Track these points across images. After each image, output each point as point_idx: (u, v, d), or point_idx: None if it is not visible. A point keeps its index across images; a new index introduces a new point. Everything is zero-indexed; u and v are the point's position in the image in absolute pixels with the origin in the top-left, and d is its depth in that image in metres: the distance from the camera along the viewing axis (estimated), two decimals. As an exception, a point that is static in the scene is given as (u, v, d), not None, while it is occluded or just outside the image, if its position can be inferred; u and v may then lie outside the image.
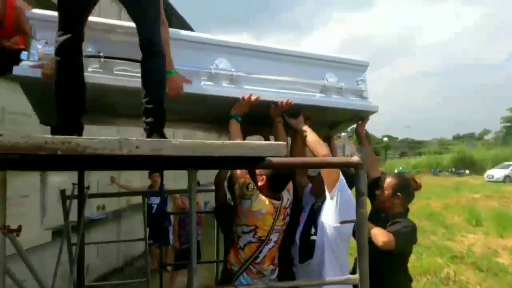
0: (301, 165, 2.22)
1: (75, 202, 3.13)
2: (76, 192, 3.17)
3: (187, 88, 2.14)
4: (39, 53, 2.03)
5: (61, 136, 1.13)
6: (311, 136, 2.36)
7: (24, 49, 2.37)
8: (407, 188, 2.64)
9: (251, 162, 1.45)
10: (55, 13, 1.99)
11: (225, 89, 2.29)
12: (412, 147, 76.73)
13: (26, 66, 2.00)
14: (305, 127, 2.43)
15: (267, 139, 2.91)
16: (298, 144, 2.64)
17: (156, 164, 1.69)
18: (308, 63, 2.57)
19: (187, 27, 11.72)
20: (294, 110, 2.43)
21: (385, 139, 68.56)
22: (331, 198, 2.21)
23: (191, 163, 1.33)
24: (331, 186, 2.21)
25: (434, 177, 34.14)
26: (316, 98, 2.52)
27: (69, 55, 1.81)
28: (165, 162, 1.45)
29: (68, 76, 1.82)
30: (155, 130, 1.80)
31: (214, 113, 2.50)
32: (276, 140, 2.47)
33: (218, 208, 2.62)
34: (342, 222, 1.74)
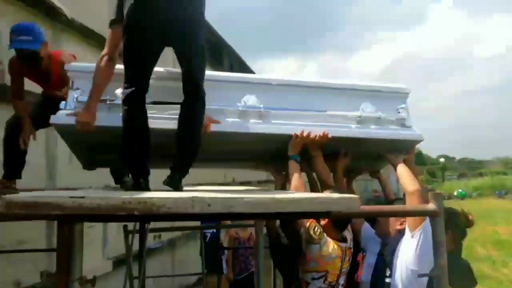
0: (373, 214, 2.13)
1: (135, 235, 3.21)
2: (137, 227, 3.27)
3: (216, 128, 2.14)
4: (75, 102, 2.14)
5: (136, 195, 1.16)
6: (402, 170, 2.28)
7: None
8: (457, 225, 2.42)
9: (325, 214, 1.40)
10: (89, 64, 2.18)
11: (254, 126, 2.25)
12: (471, 167, 72.07)
13: (62, 115, 2.11)
14: (400, 166, 2.34)
15: (307, 172, 2.81)
16: (338, 176, 2.55)
17: (222, 217, 1.69)
18: (341, 94, 2.48)
19: (237, 58, 12.06)
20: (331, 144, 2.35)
21: (442, 159, 64.94)
22: (412, 237, 2.07)
23: (259, 215, 1.30)
24: (415, 226, 2.07)
25: (499, 200, 31.61)
26: (351, 129, 2.41)
27: (135, 105, 1.91)
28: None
29: (134, 124, 1.92)
30: (181, 169, 1.92)
31: (252, 151, 2.49)
32: (319, 174, 2.41)
33: (273, 248, 2.57)
34: (421, 276, 1.62)
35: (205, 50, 2.05)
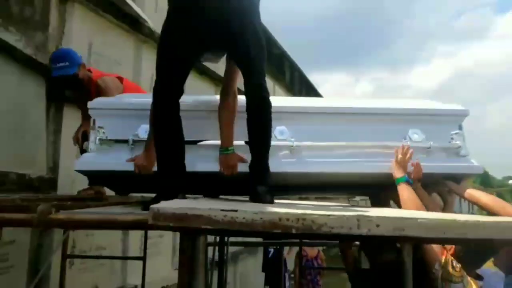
0: None
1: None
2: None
3: (243, 167, 1.92)
4: (97, 144, 2.03)
5: (292, 211, 1.00)
6: (480, 195, 1.97)
7: None
8: None
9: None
10: (112, 100, 2.14)
11: (284, 164, 2.02)
12: (542, 189, 65.68)
13: (86, 159, 2.03)
14: (471, 191, 2.03)
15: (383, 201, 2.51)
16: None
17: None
18: (384, 121, 2.16)
19: (298, 71, 11.94)
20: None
21: (510, 181, 59.85)
22: None
23: (430, 240, 1.09)
24: None
25: None
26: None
27: (167, 109, 1.77)
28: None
29: (166, 131, 1.78)
30: (261, 181, 1.76)
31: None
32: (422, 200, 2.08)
33: (353, 276, 2.31)
34: None
35: (263, 44, 1.91)
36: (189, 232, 1.20)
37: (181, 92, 1.79)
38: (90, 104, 2.15)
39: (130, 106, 2.12)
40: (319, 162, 2.03)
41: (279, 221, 0.96)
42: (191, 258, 1.26)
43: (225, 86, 2.06)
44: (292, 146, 2.05)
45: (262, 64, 1.89)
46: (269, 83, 8.73)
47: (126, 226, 1.18)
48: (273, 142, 1.97)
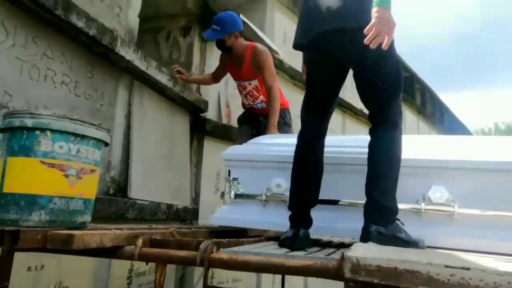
0: None
1: None
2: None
3: None
4: (232, 198, 2.05)
5: (436, 263, 0.69)
6: None
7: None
8: None
9: None
10: (247, 152, 2.08)
11: (441, 236, 1.56)
12: None
13: (221, 215, 2.03)
14: None
15: None
16: None
17: None
18: None
19: (430, 92, 10.97)
20: None
21: None
22: None
23: None
24: None
25: None
26: None
27: (307, 139, 1.70)
28: None
29: (302, 161, 1.68)
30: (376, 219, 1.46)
31: None
32: None
33: None
34: None
35: (393, 57, 1.53)
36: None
37: (325, 121, 1.71)
38: (224, 155, 2.18)
39: (264, 158, 2.05)
40: (490, 238, 1.54)
41: (403, 273, 0.66)
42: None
43: None
44: (453, 213, 1.65)
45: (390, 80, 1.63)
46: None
47: (298, 271, 0.99)
48: (427, 207, 1.67)
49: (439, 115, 11.43)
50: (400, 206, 1.69)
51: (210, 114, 3.78)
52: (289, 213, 1.68)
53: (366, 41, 1.34)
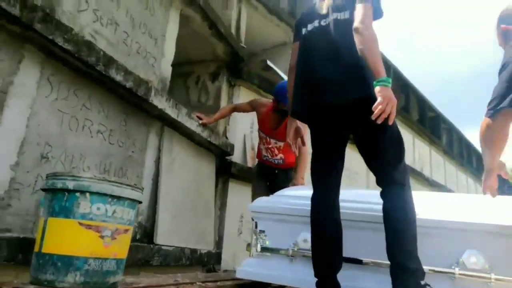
0: None
1: None
2: None
3: None
4: (258, 252, 2.04)
5: None
6: None
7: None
8: None
9: None
10: (275, 205, 2.06)
11: None
12: None
13: (247, 268, 2.02)
14: None
15: None
16: None
17: None
18: None
19: (456, 133, 10.77)
20: None
21: None
22: None
23: None
24: None
25: None
26: None
27: (318, 204, 1.71)
28: None
29: (318, 228, 1.68)
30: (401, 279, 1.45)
31: None
32: None
33: None
34: None
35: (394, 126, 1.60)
36: None
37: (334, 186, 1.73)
38: (251, 206, 2.20)
39: (291, 212, 2.05)
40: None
41: None
42: None
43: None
44: (490, 280, 1.59)
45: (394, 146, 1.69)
46: (424, 147, 7.89)
47: None
48: (461, 272, 1.61)
49: (466, 155, 11.14)
50: (432, 269, 1.64)
51: (236, 157, 3.83)
52: None
53: (373, 117, 1.46)
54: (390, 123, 1.50)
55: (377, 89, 1.48)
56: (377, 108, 1.45)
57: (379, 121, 1.46)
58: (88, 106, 2.24)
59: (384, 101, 1.45)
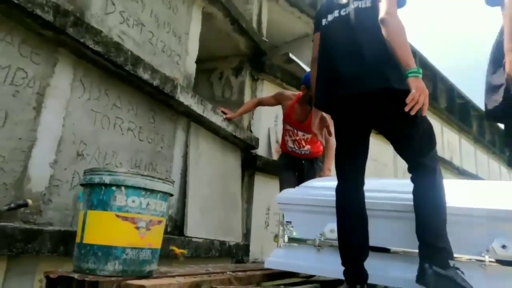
0: None
1: None
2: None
3: None
4: (286, 243, 2.07)
5: None
6: None
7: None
8: None
9: None
10: (303, 196, 2.09)
11: None
12: None
13: (275, 259, 2.08)
14: None
15: None
16: None
17: None
18: None
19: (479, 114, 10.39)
20: None
21: None
22: None
23: None
24: None
25: None
26: None
27: (344, 192, 1.72)
28: None
29: (344, 212, 1.70)
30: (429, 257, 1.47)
31: None
32: None
33: None
34: None
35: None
36: None
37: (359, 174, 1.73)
38: (278, 198, 2.22)
39: (317, 202, 2.06)
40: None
41: None
42: None
43: None
44: None
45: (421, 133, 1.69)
46: (454, 136, 7.68)
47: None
48: (490, 259, 1.59)
49: (499, 143, 10.76)
50: (462, 256, 1.63)
51: (261, 150, 3.87)
52: None
53: (406, 108, 1.44)
54: (424, 114, 1.48)
55: (411, 79, 1.46)
56: (410, 99, 1.43)
57: (412, 113, 1.44)
58: (118, 105, 2.33)
59: (417, 92, 1.43)
